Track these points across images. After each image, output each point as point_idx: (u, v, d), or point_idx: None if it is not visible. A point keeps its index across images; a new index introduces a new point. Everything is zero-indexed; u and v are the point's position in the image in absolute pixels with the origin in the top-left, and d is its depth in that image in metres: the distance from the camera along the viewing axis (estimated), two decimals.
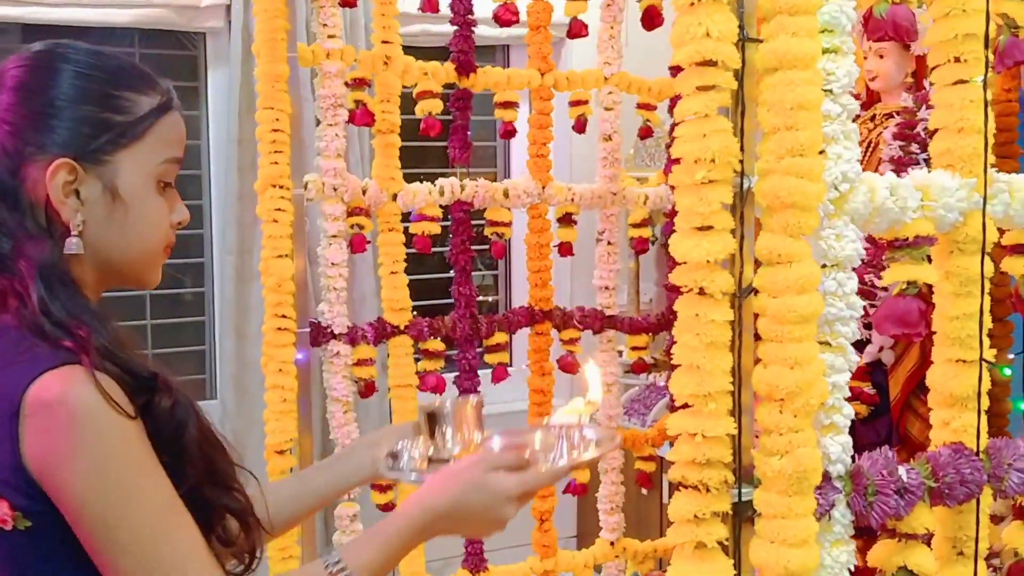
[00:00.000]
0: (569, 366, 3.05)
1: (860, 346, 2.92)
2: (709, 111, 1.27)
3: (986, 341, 1.51)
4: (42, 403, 1.06)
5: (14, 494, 1.08)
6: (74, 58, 1.19)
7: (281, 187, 2.51)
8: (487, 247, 2.98)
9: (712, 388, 1.29)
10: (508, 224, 2.90)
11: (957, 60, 1.48)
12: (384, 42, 2.71)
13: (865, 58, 2.90)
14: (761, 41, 1.31)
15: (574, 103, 2.99)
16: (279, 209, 2.52)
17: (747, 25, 1.31)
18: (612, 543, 3.17)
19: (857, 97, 2.96)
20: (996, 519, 2.06)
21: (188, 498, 1.15)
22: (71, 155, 1.15)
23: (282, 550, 2.58)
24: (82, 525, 1.08)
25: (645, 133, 3.12)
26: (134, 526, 1.08)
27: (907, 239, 1.44)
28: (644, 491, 3.77)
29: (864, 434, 2.76)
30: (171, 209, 1.25)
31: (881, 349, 2.87)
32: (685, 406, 1.32)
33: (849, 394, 1.40)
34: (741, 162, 1.31)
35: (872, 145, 2.86)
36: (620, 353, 3.34)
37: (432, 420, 1.38)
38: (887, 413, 2.88)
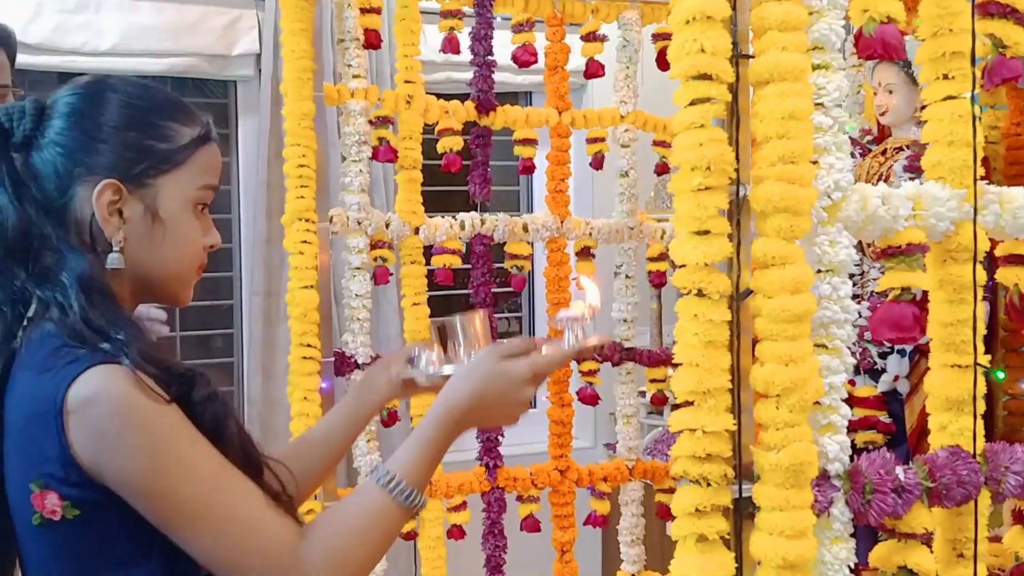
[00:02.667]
0: (588, 398, 3.11)
1: (876, 375, 2.96)
2: (704, 122, 1.35)
3: (980, 346, 1.56)
4: (82, 399, 1.14)
5: (62, 486, 1.16)
6: (122, 89, 1.30)
7: (307, 220, 2.60)
8: (510, 289, 3.06)
9: (711, 385, 1.34)
10: (528, 257, 2.97)
11: (946, 77, 1.55)
12: (407, 82, 2.82)
13: (875, 93, 2.97)
14: (753, 57, 1.38)
15: (591, 140, 3.08)
16: (305, 241, 2.61)
17: (740, 42, 1.39)
18: (633, 575, 3.19)
19: (868, 132, 3.03)
20: (998, 540, 2.07)
21: None
22: (117, 177, 1.25)
23: None
24: (149, 506, 1.16)
25: (661, 169, 3.20)
26: (199, 492, 1.16)
27: (900, 247, 1.49)
28: (667, 524, 3.80)
29: None
30: (205, 232, 1.35)
31: (897, 378, 2.90)
32: (687, 403, 1.38)
33: (846, 395, 1.46)
34: (737, 171, 1.38)
35: (883, 178, 2.92)
36: (643, 394, 3.39)
37: (443, 333, 1.42)
38: (904, 442, 2.91)
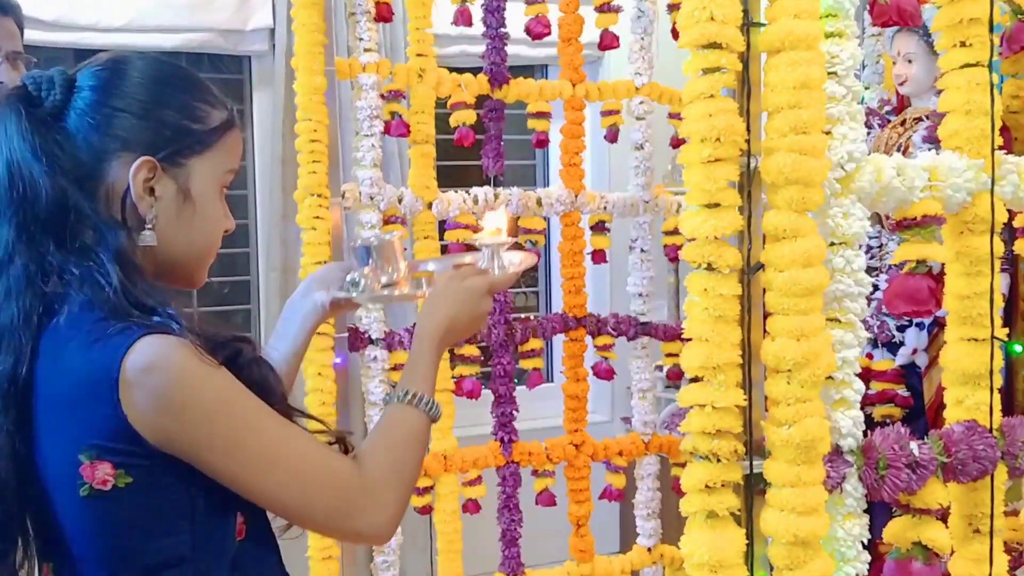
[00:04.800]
0: (604, 373, 3.09)
1: (894, 349, 2.93)
2: (715, 92, 1.32)
3: (997, 319, 1.53)
4: (140, 369, 1.13)
5: (115, 455, 1.15)
6: (156, 65, 1.29)
7: (319, 195, 2.59)
8: None
9: (721, 360, 1.33)
10: (542, 232, 2.95)
11: (963, 44, 1.52)
12: (419, 55, 2.79)
13: (894, 63, 2.93)
14: (765, 25, 1.35)
15: (606, 113, 3.04)
16: (317, 217, 2.60)
17: (751, 10, 1.36)
18: (649, 549, 3.18)
19: (888, 102, 2.99)
20: (1015, 514, 2.05)
21: None
22: (152, 154, 1.24)
23: (323, 550, 2.64)
24: (224, 465, 1.17)
25: (677, 143, 3.16)
26: (269, 442, 1.19)
27: (915, 218, 1.47)
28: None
29: None
30: (224, 216, 1.35)
31: (915, 352, 2.87)
32: (697, 379, 1.36)
33: (859, 369, 1.43)
34: (748, 142, 1.35)
35: (902, 149, 2.87)
36: (659, 368, 3.38)
37: (367, 254, 1.52)
38: (922, 416, 2.88)
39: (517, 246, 1.59)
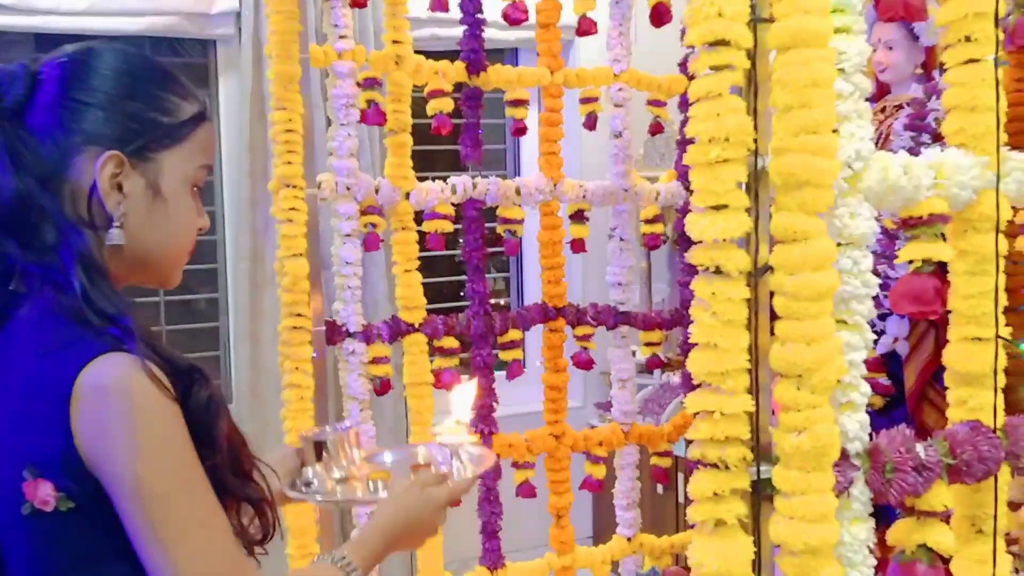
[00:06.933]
0: (584, 363, 3.06)
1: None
2: (722, 90, 1.28)
3: (1001, 319, 1.51)
4: (95, 388, 1.08)
5: (59, 477, 1.10)
6: (123, 56, 1.23)
7: (295, 187, 2.53)
8: (500, 249, 3.01)
9: (729, 366, 1.30)
10: (520, 222, 2.91)
11: (968, 39, 1.49)
12: (395, 42, 2.73)
13: (874, 50, 2.91)
14: (773, 21, 1.32)
15: (584, 100, 3.00)
16: (293, 208, 2.54)
17: (759, 5, 1.32)
18: (629, 539, 3.16)
19: None
20: (1014, 505, 2.05)
21: (212, 484, 1.17)
22: (119, 149, 1.19)
23: (301, 547, 2.59)
24: (136, 506, 1.10)
25: (655, 130, 3.13)
26: (190, 506, 1.12)
27: (921, 217, 1.44)
28: (660, 487, 3.78)
29: (880, 425, 2.74)
30: (198, 214, 1.29)
31: (896, 340, 2.86)
32: (703, 385, 1.33)
33: (866, 372, 1.41)
34: (755, 141, 1.32)
35: (883, 136, 2.86)
36: (634, 353, 3.35)
37: (318, 447, 1.52)
38: (903, 404, 2.87)
39: None
